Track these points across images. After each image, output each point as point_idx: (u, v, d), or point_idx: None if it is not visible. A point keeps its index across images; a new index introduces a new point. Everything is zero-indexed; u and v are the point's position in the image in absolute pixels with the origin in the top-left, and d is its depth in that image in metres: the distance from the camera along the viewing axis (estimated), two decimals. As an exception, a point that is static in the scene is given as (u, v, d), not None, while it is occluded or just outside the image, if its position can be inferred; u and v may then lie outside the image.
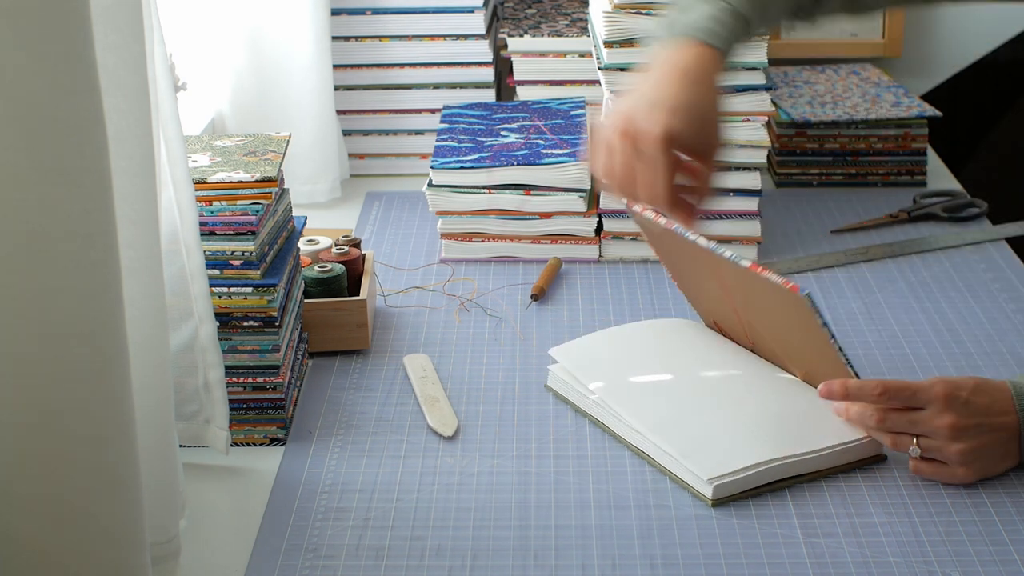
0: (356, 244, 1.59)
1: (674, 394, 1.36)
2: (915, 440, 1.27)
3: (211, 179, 1.34)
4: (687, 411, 1.33)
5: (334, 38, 1.99)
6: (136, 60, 1.04)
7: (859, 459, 1.30)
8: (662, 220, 1.36)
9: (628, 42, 1.71)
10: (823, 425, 1.30)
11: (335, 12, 2.00)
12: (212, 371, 1.28)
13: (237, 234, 1.33)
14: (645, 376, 1.40)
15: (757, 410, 1.33)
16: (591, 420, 1.38)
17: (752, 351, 1.43)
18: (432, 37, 2.02)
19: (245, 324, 1.35)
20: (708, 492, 1.24)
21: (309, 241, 1.60)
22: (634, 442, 1.33)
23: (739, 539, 1.21)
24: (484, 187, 1.74)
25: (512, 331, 1.59)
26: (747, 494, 1.25)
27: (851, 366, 1.31)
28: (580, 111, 1.89)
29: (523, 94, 2.01)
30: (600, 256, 1.77)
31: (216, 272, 1.33)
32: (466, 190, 1.74)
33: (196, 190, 1.25)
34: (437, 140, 1.82)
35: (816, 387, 1.33)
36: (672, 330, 1.49)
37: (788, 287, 1.27)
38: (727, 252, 1.32)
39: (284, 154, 1.41)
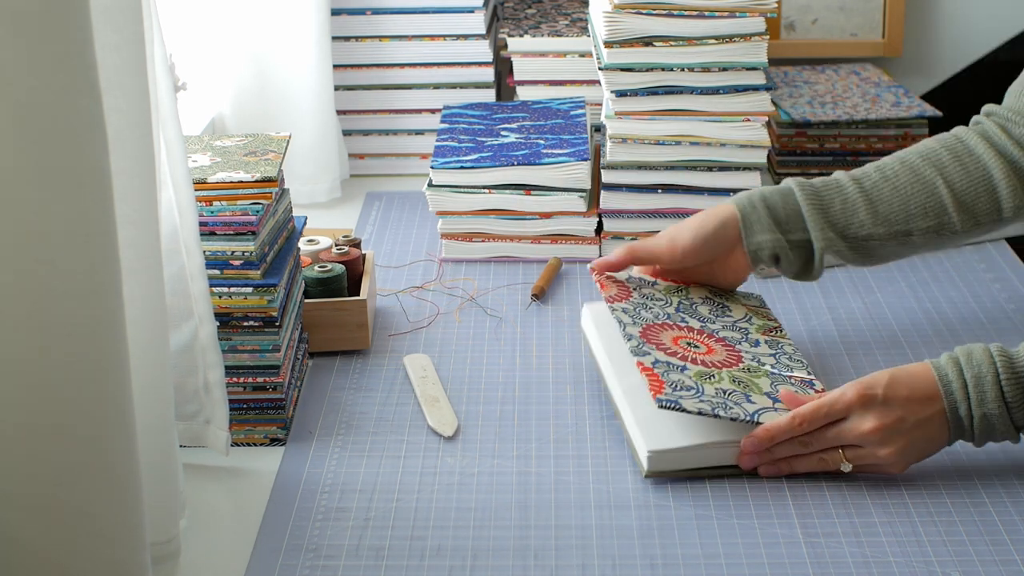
0: (356, 244, 1.59)
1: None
2: (841, 451, 1.26)
3: (211, 179, 1.34)
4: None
5: (334, 38, 1.99)
6: (136, 60, 1.04)
7: None
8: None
9: (628, 42, 1.70)
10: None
11: (335, 12, 2.00)
12: (212, 371, 1.28)
13: (237, 234, 1.33)
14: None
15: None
16: (598, 373, 1.44)
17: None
18: (432, 37, 2.02)
19: (245, 324, 1.35)
20: (644, 463, 1.28)
21: (309, 241, 1.60)
22: (615, 402, 1.37)
23: (739, 539, 1.21)
24: (484, 187, 1.74)
25: (512, 331, 1.59)
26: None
27: (797, 373, 1.36)
28: (580, 111, 1.89)
29: (523, 94, 2.01)
30: (600, 256, 1.77)
31: (216, 272, 1.33)
32: (466, 190, 1.74)
33: (196, 190, 1.25)
34: (437, 140, 1.82)
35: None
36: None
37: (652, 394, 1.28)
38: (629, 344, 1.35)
39: (284, 154, 1.41)
